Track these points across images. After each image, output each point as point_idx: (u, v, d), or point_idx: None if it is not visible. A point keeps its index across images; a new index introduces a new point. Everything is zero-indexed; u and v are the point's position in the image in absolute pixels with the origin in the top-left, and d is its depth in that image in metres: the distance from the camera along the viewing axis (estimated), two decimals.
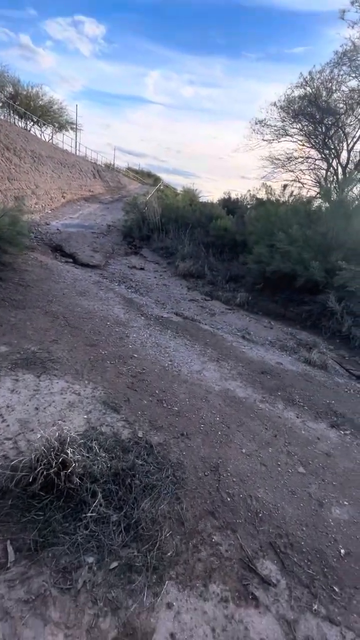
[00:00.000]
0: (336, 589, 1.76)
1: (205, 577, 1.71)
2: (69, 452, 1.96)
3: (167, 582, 1.65)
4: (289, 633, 1.53)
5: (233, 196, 13.79)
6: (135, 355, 3.96)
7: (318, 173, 12.77)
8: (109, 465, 2.20)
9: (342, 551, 1.98)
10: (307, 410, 3.59)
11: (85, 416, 2.68)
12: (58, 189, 15.45)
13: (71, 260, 8.81)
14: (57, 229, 11.40)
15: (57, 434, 2.06)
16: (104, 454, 2.31)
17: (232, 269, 8.66)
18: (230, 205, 13.35)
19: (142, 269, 9.26)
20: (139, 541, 1.81)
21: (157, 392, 3.27)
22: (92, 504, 1.88)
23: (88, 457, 2.16)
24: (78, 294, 5.73)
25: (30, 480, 1.87)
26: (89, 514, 1.84)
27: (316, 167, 13.02)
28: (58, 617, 1.43)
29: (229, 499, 2.19)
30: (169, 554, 1.79)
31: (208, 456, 2.54)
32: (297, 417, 3.43)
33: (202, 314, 6.55)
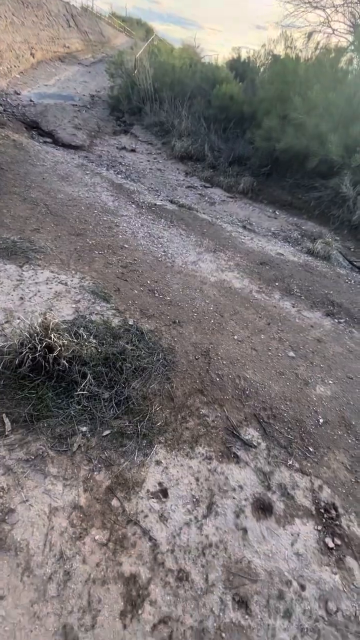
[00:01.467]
0: (311, 449, 1.94)
1: (192, 442, 1.85)
2: (52, 337, 1.90)
3: (156, 445, 1.79)
4: (264, 481, 1.73)
5: (244, 55, 10.90)
6: (126, 246, 3.68)
7: (356, 11, 9.80)
8: (99, 350, 2.21)
9: (321, 420, 2.14)
10: (304, 300, 3.52)
11: (74, 305, 2.60)
12: (24, 42, 12.28)
13: (50, 139, 7.58)
14: (30, 100, 9.50)
15: (40, 319, 1.98)
16: (93, 340, 2.30)
17: (237, 149, 7.50)
18: (239, 68, 10.71)
19: (133, 150, 8.06)
20: (130, 414, 1.91)
21: (149, 282, 3.13)
22: (83, 383, 1.92)
23: (76, 342, 2.13)
24: (60, 179, 5.05)
25: (18, 363, 1.87)
26: (80, 392, 1.90)
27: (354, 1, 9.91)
28: (56, 472, 1.58)
29: (218, 379, 2.26)
30: (158, 424, 1.91)
31: (199, 342, 2.55)
32: (293, 307, 3.37)
33: (201, 203, 5.94)
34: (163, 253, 3.76)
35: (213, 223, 4.86)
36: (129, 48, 18.06)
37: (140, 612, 1.24)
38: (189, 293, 3.14)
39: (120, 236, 3.87)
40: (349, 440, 2.06)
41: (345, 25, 10.08)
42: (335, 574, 1.43)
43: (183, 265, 3.62)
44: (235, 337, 2.71)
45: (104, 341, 2.30)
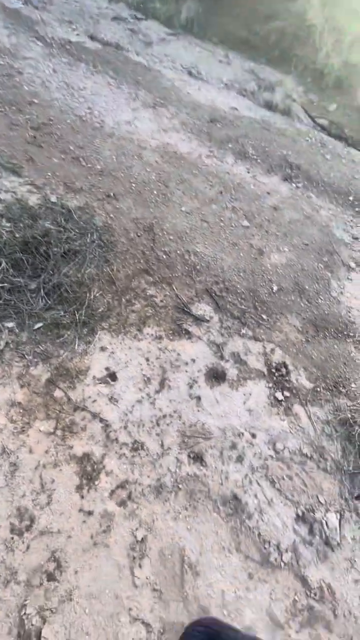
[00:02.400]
0: (264, 317, 1.89)
1: (139, 324, 1.69)
2: None
3: (99, 332, 1.61)
4: (217, 352, 1.68)
5: None
6: (36, 101, 2.78)
7: None
8: (15, 235, 1.78)
9: (275, 288, 2.04)
10: (260, 163, 3.07)
11: None
12: None
13: None
14: None
15: None
16: (7, 224, 1.84)
17: None
18: None
19: None
20: (64, 303, 1.65)
21: (71, 148, 2.47)
22: None
23: None
24: None
25: None
26: None
27: None
28: None
29: (165, 257, 2.00)
30: (100, 310, 1.69)
31: (141, 217, 2.17)
32: (248, 172, 2.95)
33: (133, 42, 4.55)
34: (88, 110, 2.93)
35: (150, 68, 3.80)
36: None
37: (97, 483, 1.24)
38: (125, 161, 2.56)
39: (25, 87, 2.89)
40: (302, 304, 2.02)
41: None
42: (284, 420, 1.52)
43: (115, 127, 2.88)
44: (183, 208, 2.34)
45: (21, 224, 1.85)
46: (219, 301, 1.88)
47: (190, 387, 1.53)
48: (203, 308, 1.84)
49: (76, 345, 1.54)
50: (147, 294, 1.82)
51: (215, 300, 1.88)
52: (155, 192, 2.38)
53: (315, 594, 1.14)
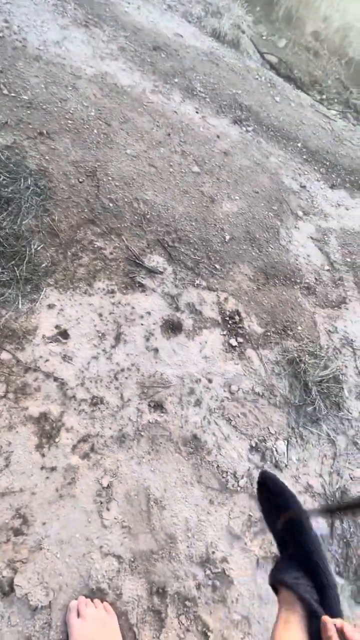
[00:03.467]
0: (217, 267, 1.88)
1: (89, 278, 1.60)
2: None
3: (45, 289, 1.49)
4: (172, 304, 1.67)
5: None
6: None
7: None
8: None
9: (227, 237, 2.03)
10: (210, 103, 2.87)
11: None
12: None
13: None
14: None
15: None
16: None
17: None
18: None
19: None
20: (1, 259, 1.48)
21: None
22: None
23: None
24: None
25: None
26: None
27: None
28: None
29: (111, 205, 1.85)
30: (43, 265, 1.55)
31: (82, 160, 1.95)
32: (197, 112, 2.75)
33: None
34: (4, 24, 2.43)
35: None
36: None
37: (57, 440, 1.22)
38: (57, 92, 2.22)
39: None
40: (253, 253, 2.05)
41: None
42: (237, 364, 1.60)
43: (41, 47, 2.44)
44: (128, 151, 2.14)
45: None
46: (171, 252, 1.82)
47: (147, 339, 1.52)
48: (156, 260, 1.78)
49: (19, 303, 1.42)
50: (95, 246, 1.70)
51: (168, 251, 1.82)
52: (95, 131, 2.13)
53: None
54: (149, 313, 1.59)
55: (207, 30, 3.60)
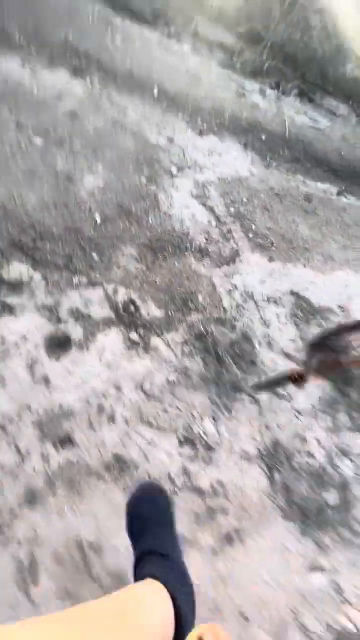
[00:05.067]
0: (95, 257, 1.65)
1: None
2: None
3: None
4: (52, 316, 1.42)
5: None
6: None
7: None
8: None
9: (99, 219, 1.78)
10: (36, 54, 2.37)
11: None
12: None
13: None
14: None
15: None
16: None
17: None
18: None
19: None
20: None
21: None
22: None
23: None
24: None
25: None
26: None
27: None
28: None
29: None
30: None
31: None
32: (24, 67, 2.25)
33: None
34: None
35: None
36: None
37: None
38: None
39: None
40: (133, 230, 1.85)
41: None
42: (145, 359, 1.47)
43: None
44: None
45: None
46: (35, 255, 1.52)
47: (32, 369, 1.28)
48: (17, 270, 1.46)
49: None
50: None
51: (29, 254, 1.51)
52: None
53: (210, 495, 1.28)
54: (25, 338, 1.32)
55: None
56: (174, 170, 2.40)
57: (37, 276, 1.47)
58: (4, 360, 1.26)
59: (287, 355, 1.80)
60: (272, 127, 3.32)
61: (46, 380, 1.29)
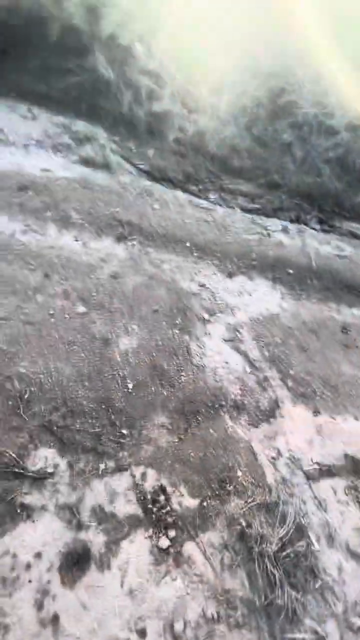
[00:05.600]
0: (125, 431, 1.56)
1: None
2: None
3: None
4: (72, 519, 1.26)
5: None
6: None
7: None
8: None
9: (131, 385, 1.76)
10: (88, 228, 2.82)
11: None
12: None
13: None
14: None
15: None
16: None
17: None
18: None
19: None
20: None
21: None
22: None
23: None
24: None
25: None
26: None
27: None
28: None
29: None
30: None
31: None
32: (76, 240, 2.65)
33: None
34: None
35: None
36: None
37: None
38: None
39: None
40: (165, 393, 1.79)
41: None
42: (176, 578, 1.21)
43: None
44: None
45: None
46: (63, 435, 1.47)
47: (40, 606, 1.06)
48: (43, 455, 1.40)
49: None
50: None
51: (58, 435, 1.46)
52: None
53: None
54: (39, 555, 1.15)
55: (76, 159, 3.77)
56: (206, 315, 2.48)
57: (63, 464, 1.38)
58: (11, 594, 1.07)
59: (354, 555, 1.43)
60: (298, 260, 3.51)
61: (54, 622, 1.05)
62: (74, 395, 1.62)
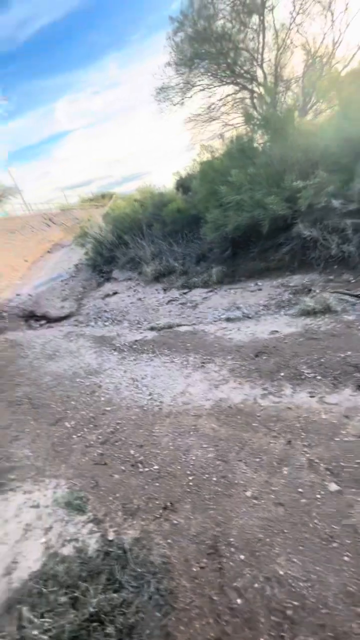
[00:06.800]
0: None
1: None
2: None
3: None
4: None
5: (183, 173, 12.58)
6: (108, 409, 3.30)
7: (244, 106, 11.46)
8: (66, 620, 1.56)
9: None
10: (322, 380, 2.77)
11: (43, 539, 2.06)
12: (17, 256, 15.28)
13: (44, 320, 8.41)
14: (28, 295, 11.05)
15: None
16: (63, 598, 1.67)
17: (199, 247, 7.81)
18: (185, 183, 12.21)
19: (115, 293, 8.66)
20: None
21: (132, 452, 2.59)
22: None
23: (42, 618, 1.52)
24: (47, 358, 5.18)
25: None
26: None
27: (238, 100, 11.71)
28: None
29: (239, 601, 1.46)
30: None
31: (202, 529, 1.83)
32: (312, 397, 2.62)
33: (184, 312, 5.81)
34: (149, 397, 3.32)
35: (195, 332, 4.54)
36: (98, 216, 21.67)
37: None
38: (182, 443, 2.54)
39: (102, 398, 3.55)
40: None
41: (242, 116, 11.65)
42: None
43: (172, 403, 3.11)
44: (249, 493, 1.96)
45: (75, 592, 1.67)
46: None
47: None
48: None
49: None
50: None
51: None
52: (214, 478, 2.13)
53: None
54: None
55: (298, 313, 4.15)
56: None
57: None
58: None
59: None
60: None
61: None
62: (343, 626, 1.27)
